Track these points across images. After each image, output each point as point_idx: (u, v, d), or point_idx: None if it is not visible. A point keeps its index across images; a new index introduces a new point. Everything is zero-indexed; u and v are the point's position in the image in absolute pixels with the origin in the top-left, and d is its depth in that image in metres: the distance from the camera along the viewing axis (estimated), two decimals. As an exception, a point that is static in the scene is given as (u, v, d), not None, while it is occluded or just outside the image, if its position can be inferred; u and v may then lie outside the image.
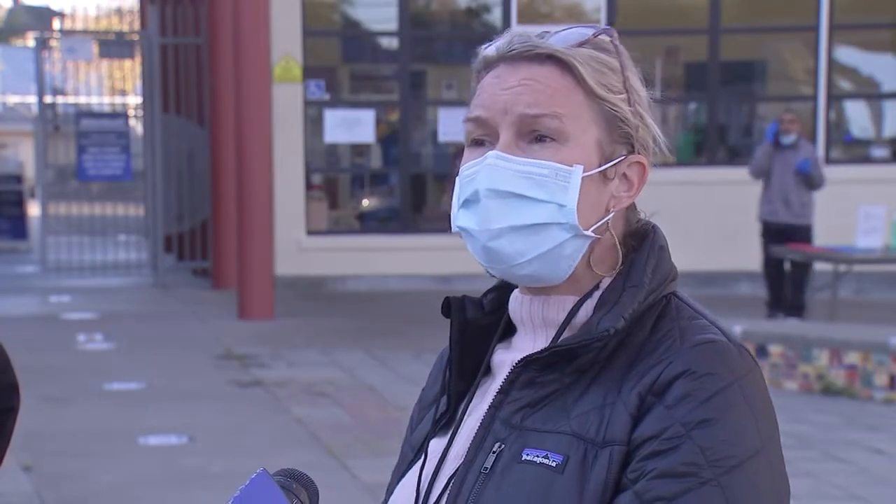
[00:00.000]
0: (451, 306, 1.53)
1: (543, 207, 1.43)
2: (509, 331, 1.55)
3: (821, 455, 6.66)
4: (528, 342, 1.50)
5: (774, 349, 8.27)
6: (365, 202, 14.03)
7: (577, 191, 1.43)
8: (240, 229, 11.28)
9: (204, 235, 14.03)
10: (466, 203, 1.46)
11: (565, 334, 1.47)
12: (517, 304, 1.52)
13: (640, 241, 1.50)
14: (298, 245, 12.96)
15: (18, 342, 8.04)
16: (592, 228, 1.46)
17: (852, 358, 8.02)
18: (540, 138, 1.44)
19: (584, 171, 1.44)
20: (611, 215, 1.48)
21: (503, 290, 1.55)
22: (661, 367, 1.40)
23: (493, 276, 1.52)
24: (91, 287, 13.57)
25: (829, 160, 13.30)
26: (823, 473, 6.31)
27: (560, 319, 1.48)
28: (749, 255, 12.44)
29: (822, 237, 11.09)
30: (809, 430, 7.19)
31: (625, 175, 1.48)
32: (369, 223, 13.79)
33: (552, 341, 1.47)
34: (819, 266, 10.11)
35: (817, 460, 6.55)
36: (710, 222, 12.86)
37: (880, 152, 13.75)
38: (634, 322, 1.45)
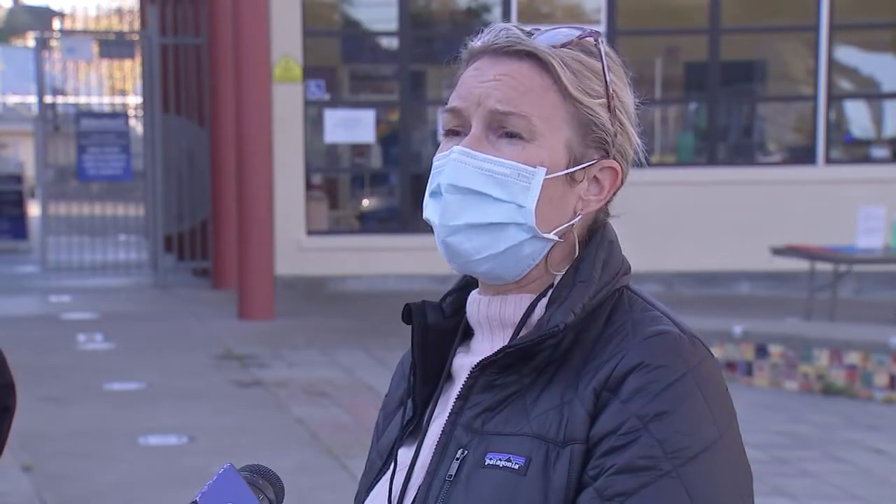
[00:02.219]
0: (412, 312, 1.52)
1: (502, 207, 1.43)
2: (469, 333, 1.54)
3: (821, 455, 6.66)
4: (485, 344, 1.50)
5: (774, 349, 8.27)
6: (365, 202, 14.03)
7: (537, 192, 1.43)
8: (240, 229, 11.28)
9: (204, 235, 14.03)
10: (432, 195, 1.47)
11: (522, 333, 1.46)
12: (474, 307, 1.51)
13: (590, 236, 1.49)
14: (298, 245, 12.96)
15: (18, 342, 8.05)
16: (556, 231, 1.46)
17: (852, 358, 8.02)
18: (509, 134, 1.44)
19: (548, 173, 1.43)
20: (577, 219, 1.47)
21: (462, 292, 1.55)
22: (615, 362, 1.40)
23: (456, 272, 1.52)
24: (91, 287, 13.57)
25: (829, 160, 13.31)
26: (823, 473, 6.31)
27: (516, 319, 1.47)
28: (749, 255, 12.44)
29: (823, 237, 11.09)
30: (809, 430, 7.19)
31: (596, 179, 1.48)
32: (369, 223, 13.79)
33: (510, 342, 1.46)
34: (819, 266, 10.10)
35: (817, 460, 6.55)
36: (710, 222, 12.85)
37: (880, 152, 13.75)
38: (588, 317, 1.44)
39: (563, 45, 1.46)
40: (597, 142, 1.46)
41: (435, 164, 1.48)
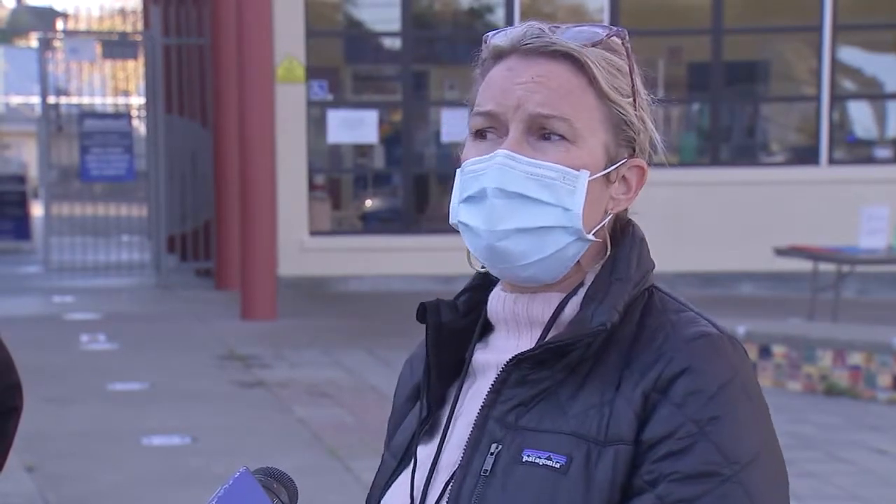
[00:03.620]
0: (427, 310, 1.52)
1: (550, 210, 1.43)
2: (484, 331, 1.54)
3: (824, 456, 6.66)
4: (510, 341, 1.49)
5: (778, 350, 8.26)
6: (368, 203, 14.03)
7: (583, 195, 1.43)
8: (242, 230, 11.28)
9: (207, 236, 14.03)
10: (470, 199, 1.44)
11: (552, 332, 1.46)
12: (498, 304, 1.50)
13: (620, 234, 1.49)
14: (301, 245, 12.96)
15: (22, 343, 8.04)
16: (593, 231, 1.46)
17: (856, 359, 8.02)
18: (548, 136, 1.43)
19: (590, 175, 1.43)
20: (609, 217, 1.47)
21: (477, 291, 1.54)
22: (662, 364, 1.40)
23: (482, 272, 1.52)
24: (94, 287, 13.57)
25: (832, 161, 13.30)
26: (826, 474, 6.31)
27: (545, 317, 1.47)
28: (752, 256, 12.44)
29: (826, 238, 11.08)
30: (812, 430, 7.18)
31: (624, 178, 1.48)
32: (372, 224, 13.78)
33: (539, 339, 1.46)
34: (822, 267, 10.10)
35: (820, 461, 6.55)
36: (712, 223, 12.85)
37: (883, 153, 13.74)
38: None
39: (596, 44, 1.45)
40: (626, 141, 1.47)
41: (469, 168, 1.45)
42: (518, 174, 1.42)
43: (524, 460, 1.41)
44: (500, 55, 1.47)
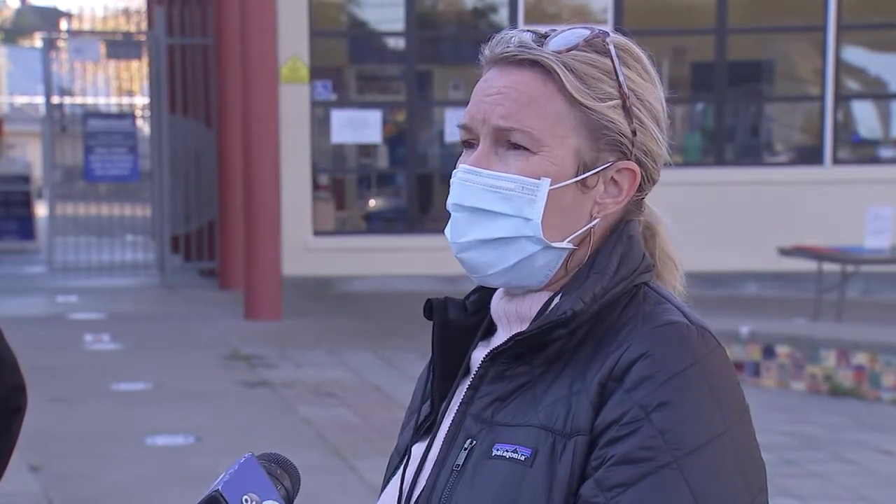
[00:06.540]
0: (434, 308, 1.53)
1: (509, 221, 1.44)
2: (492, 331, 1.55)
3: (828, 456, 6.65)
4: (503, 339, 1.49)
5: (782, 350, 8.26)
6: (372, 203, 14.03)
7: (543, 204, 1.43)
8: (247, 230, 11.29)
9: (211, 236, 14.05)
10: (448, 212, 1.49)
11: None
12: (496, 302, 1.53)
13: (610, 233, 1.49)
14: (305, 245, 12.97)
15: (26, 342, 8.05)
16: (570, 239, 1.45)
17: (860, 359, 8.01)
18: (515, 146, 1.44)
19: (553, 183, 1.43)
20: (594, 223, 1.46)
21: (486, 291, 1.55)
22: (621, 352, 1.39)
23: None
24: (98, 287, 13.59)
25: (836, 160, 13.29)
26: (830, 474, 6.31)
27: (533, 313, 1.48)
28: (757, 256, 12.43)
29: (830, 238, 11.08)
30: (817, 430, 7.18)
31: (614, 181, 1.47)
32: (376, 223, 13.79)
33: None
34: (827, 267, 10.10)
35: (824, 461, 6.54)
36: (717, 223, 12.85)
37: (888, 152, 13.74)
38: (603, 311, 1.44)
39: (571, 49, 1.45)
40: (611, 144, 1.45)
41: (451, 181, 1.49)
42: (477, 188, 1.44)
43: (494, 454, 1.41)
44: (486, 65, 1.50)
